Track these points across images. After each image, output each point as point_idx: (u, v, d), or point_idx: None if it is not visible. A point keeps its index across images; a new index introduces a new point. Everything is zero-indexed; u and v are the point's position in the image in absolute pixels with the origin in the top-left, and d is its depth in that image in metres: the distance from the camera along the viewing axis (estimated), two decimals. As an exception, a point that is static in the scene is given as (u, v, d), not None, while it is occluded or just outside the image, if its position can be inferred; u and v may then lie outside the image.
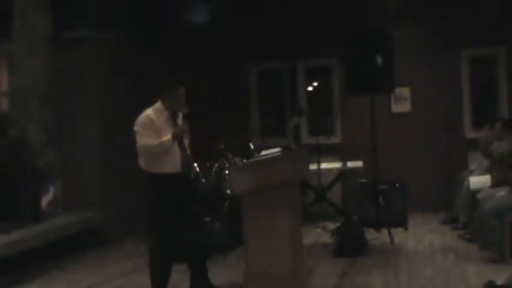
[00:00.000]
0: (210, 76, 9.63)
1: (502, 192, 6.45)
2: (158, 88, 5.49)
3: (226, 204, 7.27)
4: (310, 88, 9.22)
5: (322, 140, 8.70)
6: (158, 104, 5.44)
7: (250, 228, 5.14)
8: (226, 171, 7.53)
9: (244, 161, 5.46)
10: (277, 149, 5.41)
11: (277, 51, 9.73)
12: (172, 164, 5.35)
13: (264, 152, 5.46)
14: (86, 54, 8.01)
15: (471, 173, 7.86)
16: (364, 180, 8.36)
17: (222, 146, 7.62)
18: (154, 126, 5.29)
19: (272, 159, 5.20)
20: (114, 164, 8.20)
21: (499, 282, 5.10)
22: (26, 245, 6.48)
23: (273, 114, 10.26)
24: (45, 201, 7.39)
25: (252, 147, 7.72)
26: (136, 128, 5.32)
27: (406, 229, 8.01)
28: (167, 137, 5.27)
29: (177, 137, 5.32)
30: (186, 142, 5.52)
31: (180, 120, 5.49)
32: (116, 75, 8.34)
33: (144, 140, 5.25)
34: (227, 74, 9.79)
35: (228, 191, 7.42)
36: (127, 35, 8.38)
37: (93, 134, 8.07)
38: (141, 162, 5.40)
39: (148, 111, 5.38)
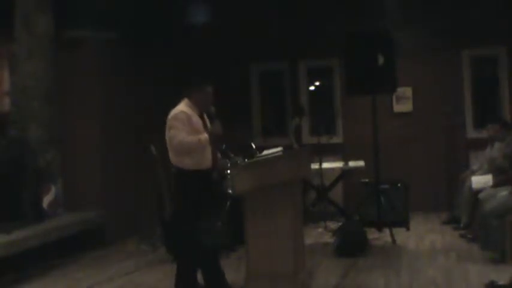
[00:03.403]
0: (211, 76, 9.60)
1: (503, 192, 6.44)
2: (184, 86, 5.43)
3: (228, 204, 7.26)
4: (311, 88, 9.21)
5: (323, 139, 8.70)
6: (187, 102, 5.37)
7: (252, 228, 5.14)
8: (228, 171, 7.52)
9: (246, 160, 5.44)
10: (279, 149, 5.40)
11: (278, 51, 9.72)
12: (207, 161, 5.37)
13: (265, 152, 5.46)
14: (87, 54, 8.00)
15: (473, 173, 7.85)
16: (366, 180, 8.36)
17: (224, 145, 7.61)
18: (191, 123, 5.27)
19: (273, 159, 5.20)
20: (115, 163, 8.19)
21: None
22: (27, 244, 6.47)
23: (274, 114, 10.25)
24: (46, 201, 7.38)
25: (253, 146, 7.72)
26: (172, 122, 5.23)
27: (408, 229, 8.00)
28: (204, 135, 5.26)
29: (213, 136, 5.31)
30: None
31: (207, 120, 5.47)
32: (117, 75, 8.34)
33: (181, 135, 5.18)
34: (228, 74, 9.78)
35: (230, 191, 7.41)
36: (128, 35, 8.37)
37: (94, 133, 8.06)
38: (175, 158, 5.34)
39: (183, 108, 5.31)
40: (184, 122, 5.23)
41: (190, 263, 5.48)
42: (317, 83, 8.96)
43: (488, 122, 7.96)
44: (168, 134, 5.28)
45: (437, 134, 9.43)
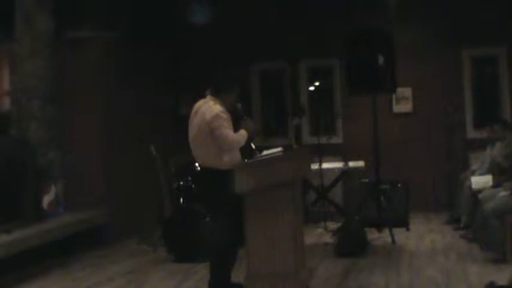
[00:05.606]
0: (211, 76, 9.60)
1: (503, 192, 6.44)
2: (212, 88, 5.41)
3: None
4: (311, 88, 9.20)
5: (323, 140, 8.70)
6: (215, 100, 5.33)
7: (252, 228, 5.14)
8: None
9: (246, 160, 5.44)
10: (279, 149, 5.40)
11: (278, 51, 9.72)
12: (239, 158, 5.39)
13: (265, 152, 5.46)
14: (88, 54, 8.01)
15: (473, 173, 7.84)
16: (366, 180, 8.36)
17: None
18: (229, 121, 5.28)
19: (273, 159, 5.20)
20: (116, 163, 8.19)
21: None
22: (27, 244, 6.47)
23: (274, 114, 10.25)
24: (46, 200, 7.38)
25: (253, 147, 7.72)
26: (218, 122, 5.16)
27: (408, 229, 8.00)
28: (243, 131, 5.32)
29: (253, 132, 5.37)
30: None
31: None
32: (118, 74, 8.34)
33: (231, 133, 5.21)
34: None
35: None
36: (129, 34, 8.38)
37: (95, 133, 8.07)
38: (212, 158, 5.26)
39: (217, 107, 5.26)
40: (227, 121, 5.23)
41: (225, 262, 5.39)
42: (317, 83, 8.95)
43: (488, 122, 7.96)
44: (214, 134, 5.18)
45: (437, 134, 9.43)
